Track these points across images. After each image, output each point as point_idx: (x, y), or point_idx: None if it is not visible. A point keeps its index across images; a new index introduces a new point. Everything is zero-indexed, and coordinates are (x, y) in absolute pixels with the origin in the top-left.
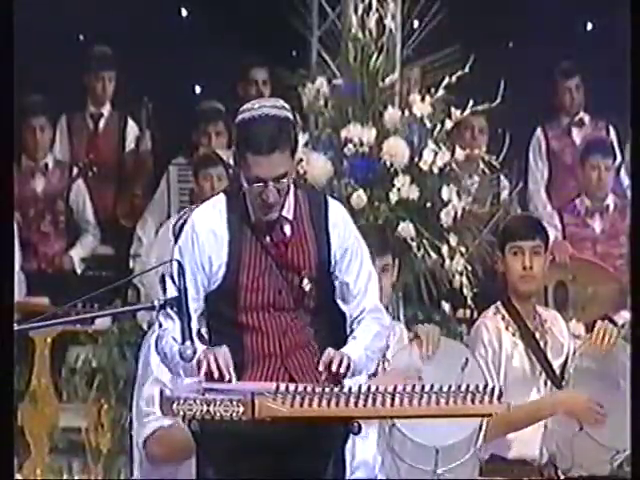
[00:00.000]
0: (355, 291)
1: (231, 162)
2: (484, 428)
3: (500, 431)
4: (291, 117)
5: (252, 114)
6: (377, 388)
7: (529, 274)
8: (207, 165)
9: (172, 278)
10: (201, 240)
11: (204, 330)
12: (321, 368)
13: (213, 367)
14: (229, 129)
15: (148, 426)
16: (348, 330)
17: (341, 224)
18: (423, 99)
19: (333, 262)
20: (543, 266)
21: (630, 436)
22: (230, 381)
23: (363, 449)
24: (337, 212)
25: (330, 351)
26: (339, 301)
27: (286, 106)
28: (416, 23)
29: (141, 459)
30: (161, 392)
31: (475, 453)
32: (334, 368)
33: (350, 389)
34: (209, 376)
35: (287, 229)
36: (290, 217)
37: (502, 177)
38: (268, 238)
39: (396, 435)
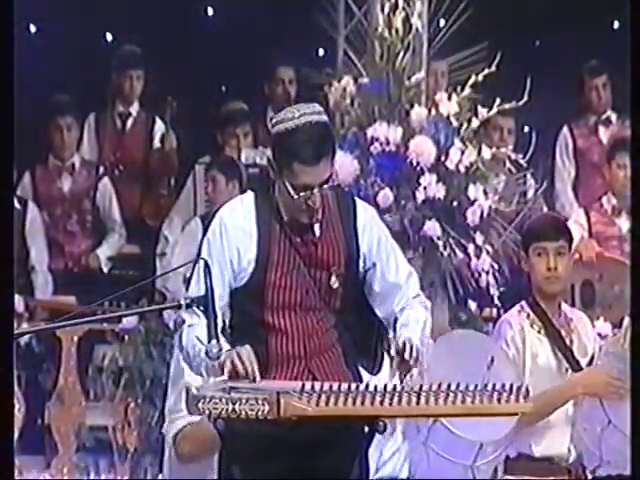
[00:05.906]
0: (400, 280)
1: (258, 161)
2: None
3: (526, 422)
4: (328, 120)
5: (295, 123)
6: (402, 387)
7: (553, 275)
8: (218, 169)
9: (199, 276)
10: (230, 234)
11: (228, 329)
12: (394, 352)
13: (239, 367)
14: (255, 129)
15: (176, 423)
16: (391, 320)
17: (369, 223)
18: (449, 98)
19: (366, 260)
20: (567, 267)
21: (630, 436)
22: (255, 380)
23: (390, 446)
24: (365, 211)
25: (399, 340)
26: (376, 297)
27: (322, 110)
28: (442, 22)
29: (170, 457)
30: (187, 390)
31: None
32: (407, 356)
33: (376, 388)
34: (234, 376)
35: (317, 228)
36: (319, 217)
37: (529, 176)
38: (298, 237)
39: (434, 430)
